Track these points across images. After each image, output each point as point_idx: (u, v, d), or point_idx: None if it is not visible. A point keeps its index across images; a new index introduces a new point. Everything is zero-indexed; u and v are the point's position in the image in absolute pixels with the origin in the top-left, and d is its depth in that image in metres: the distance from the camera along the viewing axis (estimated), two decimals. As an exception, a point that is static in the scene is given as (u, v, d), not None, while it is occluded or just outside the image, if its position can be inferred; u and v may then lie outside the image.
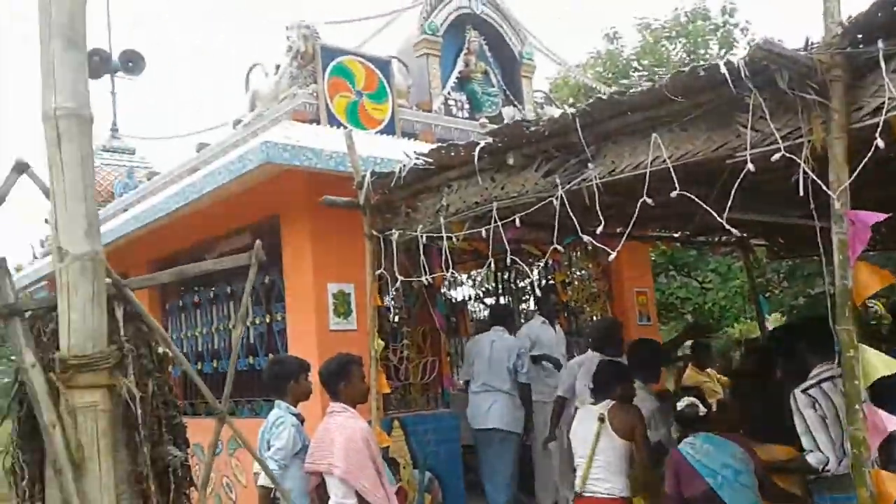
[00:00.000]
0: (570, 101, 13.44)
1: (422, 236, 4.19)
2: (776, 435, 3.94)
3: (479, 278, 10.09)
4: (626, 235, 3.60)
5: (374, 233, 4.51)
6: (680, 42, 14.40)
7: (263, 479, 4.08)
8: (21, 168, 2.65)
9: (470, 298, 9.53)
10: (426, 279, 4.28)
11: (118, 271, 2.63)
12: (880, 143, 2.45)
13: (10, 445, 2.49)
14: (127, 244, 7.10)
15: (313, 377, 4.25)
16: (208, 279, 6.82)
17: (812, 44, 2.58)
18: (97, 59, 11.10)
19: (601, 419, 4.11)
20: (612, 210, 3.44)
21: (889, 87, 2.44)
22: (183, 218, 6.32)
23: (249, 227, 6.40)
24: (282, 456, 3.98)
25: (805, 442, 3.53)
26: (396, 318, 6.10)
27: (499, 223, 3.71)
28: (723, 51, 13.97)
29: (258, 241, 2.85)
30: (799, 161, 2.62)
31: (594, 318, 7.36)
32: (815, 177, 2.62)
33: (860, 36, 2.51)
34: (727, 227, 2.91)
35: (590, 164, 3.36)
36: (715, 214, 2.96)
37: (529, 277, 8.15)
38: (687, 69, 2.84)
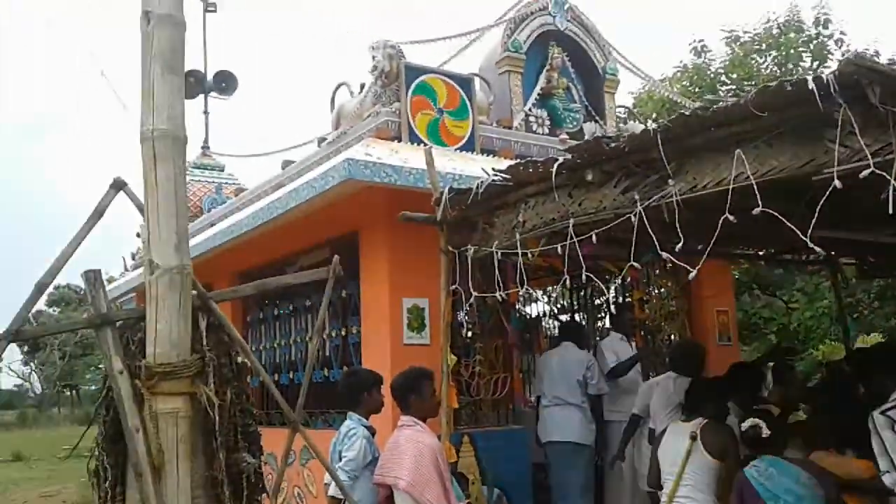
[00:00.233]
0: (654, 115, 13.17)
1: (497, 252, 4.19)
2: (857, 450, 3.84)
3: (554, 295, 9.96)
4: (706, 253, 3.50)
5: (451, 248, 4.54)
6: (770, 55, 13.92)
7: (334, 490, 4.13)
8: (119, 185, 2.79)
9: (545, 315, 9.42)
10: (500, 295, 4.26)
11: (203, 283, 2.72)
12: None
13: (96, 448, 2.60)
14: (213, 257, 7.33)
15: (385, 390, 4.29)
16: (288, 292, 6.96)
17: (905, 57, 2.47)
18: (192, 80, 11.46)
19: (693, 437, 4.02)
20: (692, 227, 3.35)
21: None
22: (266, 232, 6.49)
23: (329, 242, 6.52)
24: (352, 467, 4.02)
25: (882, 463, 3.46)
26: (469, 334, 6.09)
27: (575, 239, 3.67)
28: (815, 63, 13.42)
29: (336, 256, 2.91)
30: (889, 178, 2.51)
31: (672, 337, 7.17)
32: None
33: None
34: (811, 245, 2.80)
35: (670, 181, 3.30)
36: (798, 233, 2.84)
37: (605, 294, 7.99)
38: (774, 84, 2.76)
